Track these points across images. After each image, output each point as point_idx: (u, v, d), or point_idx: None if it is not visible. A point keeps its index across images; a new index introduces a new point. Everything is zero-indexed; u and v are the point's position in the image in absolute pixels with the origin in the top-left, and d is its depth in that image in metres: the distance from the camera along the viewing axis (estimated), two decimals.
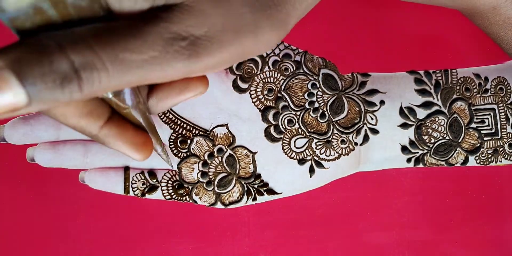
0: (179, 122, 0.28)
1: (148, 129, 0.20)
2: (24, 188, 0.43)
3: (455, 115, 0.29)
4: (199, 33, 0.16)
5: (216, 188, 0.28)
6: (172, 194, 0.28)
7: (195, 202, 0.28)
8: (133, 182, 0.27)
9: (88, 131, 0.18)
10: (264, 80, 0.28)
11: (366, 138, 0.29)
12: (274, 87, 0.28)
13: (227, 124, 0.28)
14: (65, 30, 0.14)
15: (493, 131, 0.30)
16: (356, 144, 0.29)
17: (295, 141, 0.28)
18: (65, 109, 0.17)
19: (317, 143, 0.28)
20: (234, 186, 0.28)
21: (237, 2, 0.17)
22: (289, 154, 0.28)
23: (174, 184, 0.28)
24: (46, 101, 0.14)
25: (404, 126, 0.29)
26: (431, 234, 0.49)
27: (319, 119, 0.28)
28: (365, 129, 0.29)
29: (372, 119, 0.29)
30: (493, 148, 0.30)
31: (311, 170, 0.28)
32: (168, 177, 0.28)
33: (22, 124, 0.26)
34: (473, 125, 0.30)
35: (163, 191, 0.27)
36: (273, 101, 0.28)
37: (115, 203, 0.44)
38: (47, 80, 0.13)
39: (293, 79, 0.28)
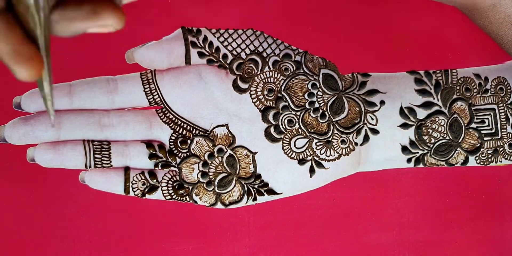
0: (179, 122, 0.28)
1: (44, 46, 0.17)
2: (24, 188, 0.43)
3: (455, 115, 0.29)
4: None
5: (216, 188, 0.28)
6: (172, 194, 0.28)
7: (195, 202, 0.28)
8: (133, 182, 0.27)
9: None
10: (264, 80, 0.28)
11: (366, 138, 0.29)
12: (274, 87, 0.28)
13: (227, 124, 0.28)
14: None
15: (493, 131, 0.30)
16: (356, 144, 0.29)
17: (295, 141, 0.28)
18: None
19: (317, 143, 0.28)
20: (234, 186, 0.28)
21: None
22: (289, 154, 0.28)
23: (174, 184, 0.28)
24: None
25: (404, 126, 0.29)
26: (431, 234, 0.49)
27: (319, 119, 0.28)
28: (365, 129, 0.29)
29: (372, 119, 0.29)
30: (493, 148, 0.30)
31: (311, 170, 0.28)
32: (168, 177, 0.28)
33: (22, 124, 0.26)
34: (473, 125, 0.30)
35: (163, 191, 0.27)
36: (273, 101, 0.28)
37: (115, 203, 0.44)
38: None
39: (293, 79, 0.28)
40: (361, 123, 0.29)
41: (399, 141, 0.29)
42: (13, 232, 0.43)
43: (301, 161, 0.28)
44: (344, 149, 0.29)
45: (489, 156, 0.30)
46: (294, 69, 0.28)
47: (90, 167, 0.27)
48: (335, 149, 0.28)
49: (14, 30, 0.17)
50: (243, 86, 0.27)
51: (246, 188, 0.28)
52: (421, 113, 0.29)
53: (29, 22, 0.16)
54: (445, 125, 0.29)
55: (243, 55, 0.27)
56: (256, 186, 0.28)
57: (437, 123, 0.29)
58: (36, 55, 0.17)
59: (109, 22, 0.18)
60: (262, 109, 0.28)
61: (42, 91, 0.19)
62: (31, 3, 0.16)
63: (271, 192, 0.28)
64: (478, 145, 0.30)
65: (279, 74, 0.28)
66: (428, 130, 0.29)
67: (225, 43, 0.27)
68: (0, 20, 0.16)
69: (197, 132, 0.28)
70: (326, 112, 0.28)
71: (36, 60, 0.17)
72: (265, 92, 0.28)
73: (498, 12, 0.27)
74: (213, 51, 0.27)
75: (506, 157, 0.30)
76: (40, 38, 0.17)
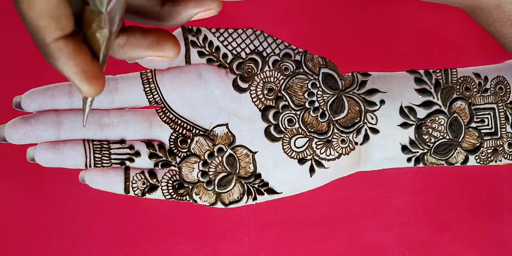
0: (179, 121, 0.28)
1: (102, 63, 0.19)
2: (24, 188, 0.43)
3: (455, 115, 0.29)
4: None
5: (216, 187, 0.28)
6: (172, 193, 0.28)
7: (195, 201, 0.28)
8: (133, 181, 0.27)
9: (42, 35, 0.17)
10: (264, 80, 0.28)
11: (366, 138, 0.29)
12: (274, 87, 0.28)
13: (227, 123, 0.28)
14: None
15: (492, 130, 0.30)
16: (356, 143, 0.29)
17: (295, 140, 0.28)
18: None
19: (317, 143, 0.28)
20: (234, 185, 0.28)
21: None
22: (289, 154, 0.28)
23: (174, 183, 0.28)
24: None
25: (404, 125, 0.29)
26: (431, 233, 0.49)
27: (319, 118, 0.28)
28: (365, 129, 0.29)
29: (372, 118, 0.29)
30: (492, 148, 0.30)
31: (311, 170, 0.28)
32: (168, 177, 0.28)
33: (22, 123, 0.26)
34: (473, 125, 0.30)
35: (163, 191, 0.27)
36: (273, 101, 0.28)
37: (115, 203, 0.44)
38: None
39: (293, 78, 0.28)
40: (361, 122, 0.29)
41: (399, 141, 0.29)
42: (13, 232, 0.43)
43: (301, 161, 0.28)
44: (344, 149, 0.29)
45: (489, 155, 0.30)
46: (294, 68, 0.28)
47: (90, 166, 0.27)
48: (335, 148, 0.28)
49: (83, 52, 0.18)
50: (243, 85, 0.27)
51: (246, 188, 0.28)
52: (421, 113, 0.29)
53: (97, 41, 0.18)
54: (445, 125, 0.29)
55: (243, 54, 0.27)
56: (256, 186, 0.28)
57: (437, 122, 0.29)
58: (100, 74, 0.18)
59: (168, 53, 0.20)
60: (262, 108, 0.28)
61: (84, 103, 0.21)
62: (97, 26, 0.17)
63: (271, 191, 0.28)
64: (478, 144, 0.30)
65: (279, 74, 0.28)
66: (428, 129, 0.29)
67: (225, 43, 0.27)
68: (70, 42, 0.17)
69: (197, 131, 0.28)
70: (326, 112, 0.28)
71: (100, 78, 0.18)
72: (265, 92, 0.28)
73: (503, 12, 0.27)
74: (213, 50, 0.27)
75: (505, 156, 0.30)
76: (102, 57, 0.18)
